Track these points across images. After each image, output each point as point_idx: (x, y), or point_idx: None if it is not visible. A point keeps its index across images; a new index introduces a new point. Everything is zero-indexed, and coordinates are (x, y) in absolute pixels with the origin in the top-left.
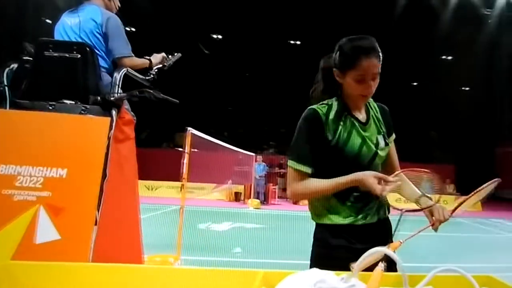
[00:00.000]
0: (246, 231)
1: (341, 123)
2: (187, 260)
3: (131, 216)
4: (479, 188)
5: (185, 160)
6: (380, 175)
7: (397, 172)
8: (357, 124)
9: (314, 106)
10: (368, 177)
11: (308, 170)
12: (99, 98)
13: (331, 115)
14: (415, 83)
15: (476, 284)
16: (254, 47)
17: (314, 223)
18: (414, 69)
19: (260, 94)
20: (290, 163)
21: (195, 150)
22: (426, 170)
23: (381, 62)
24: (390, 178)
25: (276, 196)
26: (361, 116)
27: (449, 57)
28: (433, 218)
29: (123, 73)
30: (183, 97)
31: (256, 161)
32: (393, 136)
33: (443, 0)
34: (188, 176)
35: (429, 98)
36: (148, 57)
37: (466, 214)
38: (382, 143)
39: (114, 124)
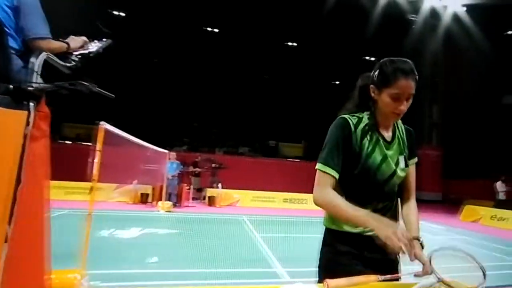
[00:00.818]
0: (159, 238)
1: (368, 137)
2: (95, 274)
3: (41, 229)
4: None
5: (97, 159)
6: (399, 233)
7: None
8: (381, 141)
9: (345, 116)
10: (389, 232)
11: (335, 174)
12: (11, 86)
13: (360, 127)
14: (337, 82)
15: None
16: (164, 31)
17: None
18: (336, 68)
19: (170, 83)
20: (319, 166)
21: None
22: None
23: (416, 85)
24: (406, 240)
25: (190, 198)
26: (387, 134)
27: (372, 58)
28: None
29: (43, 58)
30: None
31: (169, 159)
32: (415, 159)
33: (371, 2)
34: (98, 177)
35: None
36: (65, 40)
37: None
38: (402, 163)
39: (32, 119)
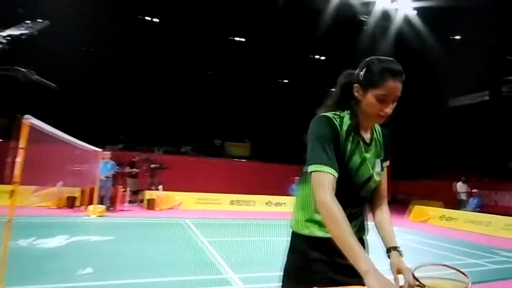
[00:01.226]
0: (91, 245)
1: (350, 138)
2: None
3: None
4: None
5: (19, 158)
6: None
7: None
8: (361, 143)
9: (328, 114)
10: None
11: (335, 173)
12: None
13: (343, 127)
14: (285, 81)
15: None
16: (97, 21)
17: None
18: (283, 66)
19: (104, 76)
20: (316, 167)
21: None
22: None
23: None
24: None
25: (126, 201)
26: (366, 136)
27: (322, 57)
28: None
29: None
30: None
31: (102, 158)
32: (387, 162)
33: (322, 0)
34: (20, 178)
35: (299, 97)
36: None
37: None
38: (378, 167)
39: None
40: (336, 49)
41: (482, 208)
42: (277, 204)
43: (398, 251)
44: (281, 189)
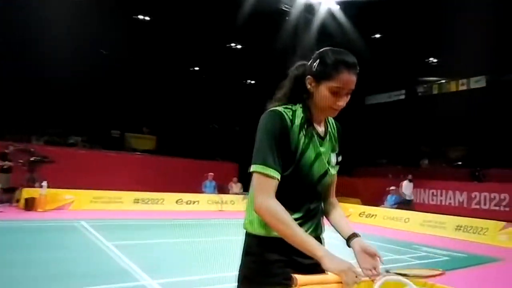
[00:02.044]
0: None
1: (303, 132)
2: None
3: None
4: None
5: None
6: (358, 272)
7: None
8: (315, 137)
9: (279, 109)
10: (344, 266)
11: (277, 175)
12: None
13: (296, 122)
14: (196, 68)
15: None
16: None
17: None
18: (195, 53)
19: None
20: (257, 167)
21: None
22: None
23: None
24: (365, 278)
25: None
26: (321, 129)
27: (238, 46)
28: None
29: None
30: None
31: None
32: (340, 157)
33: None
34: None
35: (212, 87)
36: None
37: None
38: (334, 161)
39: None
40: (254, 38)
41: (399, 205)
42: (188, 202)
43: (358, 236)
44: (193, 186)
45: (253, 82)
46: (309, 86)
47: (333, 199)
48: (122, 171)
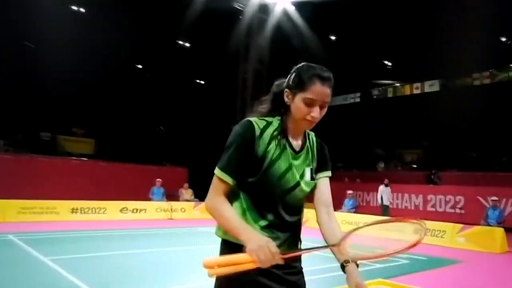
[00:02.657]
0: None
1: (275, 142)
2: None
3: None
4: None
5: None
6: (267, 249)
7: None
8: (288, 149)
9: (251, 119)
10: (255, 245)
11: (229, 180)
12: None
13: (267, 132)
14: (139, 66)
15: None
16: None
17: None
18: (139, 50)
19: None
20: (216, 171)
21: None
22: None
23: (331, 96)
24: (279, 257)
25: None
26: (296, 143)
27: (187, 44)
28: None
29: None
30: None
31: None
32: (327, 172)
33: None
34: None
35: (158, 86)
36: None
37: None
38: (308, 176)
39: None
40: (204, 37)
41: (357, 209)
42: (134, 210)
43: (356, 264)
44: (139, 193)
45: (202, 82)
46: (286, 99)
47: (330, 213)
48: (55, 178)
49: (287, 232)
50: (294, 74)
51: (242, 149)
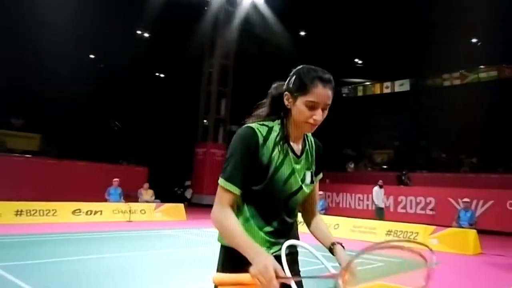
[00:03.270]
0: None
1: (279, 148)
2: None
3: None
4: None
5: None
6: (278, 268)
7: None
8: (291, 154)
9: (253, 125)
10: (257, 270)
11: (235, 191)
12: None
13: (270, 138)
14: (91, 56)
15: None
16: None
17: None
18: (91, 38)
19: None
20: (220, 181)
21: None
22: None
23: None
24: (283, 275)
25: None
26: (297, 147)
27: (146, 34)
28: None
29: None
30: None
31: None
32: (321, 175)
33: None
34: None
35: (113, 78)
36: None
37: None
38: (308, 179)
39: None
40: (166, 27)
41: (327, 211)
42: (89, 212)
43: (341, 245)
44: (94, 194)
45: (162, 75)
46: (286, 103)
47: (316, 215)
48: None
49: (287, 236)
50: (294, 77)
51: (247, 158)
